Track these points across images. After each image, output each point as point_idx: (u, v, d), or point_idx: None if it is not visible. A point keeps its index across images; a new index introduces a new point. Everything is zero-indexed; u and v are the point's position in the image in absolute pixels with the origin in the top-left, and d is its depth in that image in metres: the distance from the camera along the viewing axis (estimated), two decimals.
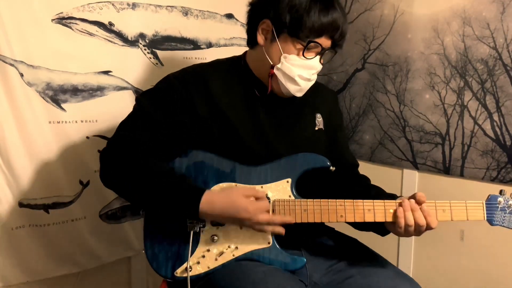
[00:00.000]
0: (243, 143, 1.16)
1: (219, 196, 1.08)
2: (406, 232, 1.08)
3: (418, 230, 1.08)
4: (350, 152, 1.38)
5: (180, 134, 1.14)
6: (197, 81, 1.17)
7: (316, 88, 1.23)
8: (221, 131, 1.15)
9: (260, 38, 1.17)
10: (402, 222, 1.06)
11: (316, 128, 1.27)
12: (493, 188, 1.61)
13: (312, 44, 1.12)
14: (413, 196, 1.11)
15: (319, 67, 1.17)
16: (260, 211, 1.06)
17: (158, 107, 1.13)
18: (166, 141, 1.12)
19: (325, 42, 1.14)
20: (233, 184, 1.14)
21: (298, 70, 1.14)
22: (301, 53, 1.13)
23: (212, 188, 1.13)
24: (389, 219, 1.09)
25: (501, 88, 1.58)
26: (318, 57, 1.15)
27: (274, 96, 1.21)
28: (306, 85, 1.17)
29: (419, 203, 1.08)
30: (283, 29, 1.13)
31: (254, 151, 1.16)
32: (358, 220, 1.09)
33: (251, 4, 1.21)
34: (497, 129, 1.60)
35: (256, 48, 1.20)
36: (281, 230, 1.09)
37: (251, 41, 1.22)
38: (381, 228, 1.16)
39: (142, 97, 1.19)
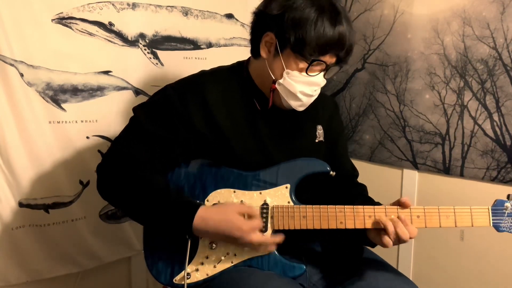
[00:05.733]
0: (241, 158, 1.14)
1: (214, 213, 1.06)
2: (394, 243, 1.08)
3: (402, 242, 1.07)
4: (350, 162, 1.36)
5: (176, 147, 1.12)
6: (195, 93, 1.14)
7: (317, 98, 1.19)
8: (218, 145, 1.14)
9: (263, 51, 1.14)
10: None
11: (317, 140, 1.25)
12: (493, 188, 1.62)
13: (315, 62, 1.09)
14: (396, 202, 1.10)
15: (322, 83, 1.14)
16: (253, 231, 1.05)
17: (155, 121, 1.12)
18: (162, 154, 1.11)
19: (330, 59, 1.11)
20: (231, 190, 1.13)
21: (300, 86, 1.11)
22: (304, 70, 1.10)
23: (210, 195, 1.13)
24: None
25: (501, 88, 1.58)
26: (322, 73, 1.12)
27: (275, 108, 1.18)
28: (308, 101, 1.15)
29: (405, 206, 1.08)
30: (287, 45, 1.09)
31: (252, 166, 1.14)
32: (358, 226, 1.08)
33: (255, 14, 1.17)
34: (497, 129, 1.60)
35: (259, 59, 1.17)
36: (272, 249, 1.09)
37: (254, 52, 1.18)
38: (365, 240, 1.15)
39: (139, 109, 1.16)
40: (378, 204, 1.17)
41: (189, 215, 1.04)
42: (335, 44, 1.08)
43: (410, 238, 1.06)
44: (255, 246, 1.08)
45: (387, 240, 1.06)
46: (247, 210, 1.08)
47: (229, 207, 1.08)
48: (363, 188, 1.32)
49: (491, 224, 1.07)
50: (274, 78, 1.13)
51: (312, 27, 1.06)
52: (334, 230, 1.11)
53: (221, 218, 1.05)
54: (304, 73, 1.10)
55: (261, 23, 1.15)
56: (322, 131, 1.27)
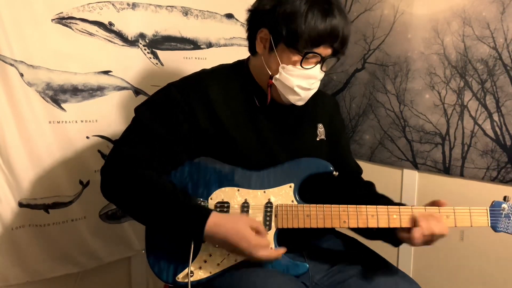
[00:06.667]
0: (244, 155, 1.14)
1: (226, 219, 1.06)
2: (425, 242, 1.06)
3: (431, 239, 1.06)
4: (353, 159, 1.36)
5: (180, 146, 1.12)
6: (198, 91, 1.14)
7: (317, 97, 1.20)
8: (221, 143, 1.14)
9: (259, 47, 1.15)
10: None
11: (318, 139, 1.25)
12: (493, 188, 1.62)
13: (310, 54, 1.09)
14: (431, 203, 1.10)
15: (319, 76, 1.13)
16: (261, 248, 1.05)
17: (158, 120, 1.11)
18: (166, 154, 1.10)
19: (324, 51, 1.10)
20: (235, 188, 1.13)
21: (297, 80, 1.11)
22: (298, 63, 1.10)
23: (214, 193, 1.13)
24: (392, 225, 1.08)
25: (501, 88, 1.58)
26: (318, 66, 1.12)
27: (275, 105, 1.18)
28: (306, 95, 1.15)
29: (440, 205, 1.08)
30: (280, 39, 1.09)
31: (254, 163, 1.14)
32: (361, 226, 1.08)
33: (250, 11, 1.19)
34: (497, 129, 1.60)
35: (257, 55, 1.18)
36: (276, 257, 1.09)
37: (251, 49, 1.19)
38: (392, 237, 1.13)
39: (142, 108, 1.16)
40: (401, 204, 1.14)
41: (201, 221, 1.04)
42: (328, 36, 1.08)
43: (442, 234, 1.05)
44: (259, 260, 1.07)
45: (416, 235, 1.04)
46: (257, 226, 1.07)
47: (242, 218, 1.08)
48: (371, 185, 1.31)
49: (489, 225, 1.09)
50: (270, 73, 1.14)
51: (303, 19, 1.06)
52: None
53: (233, 226, 1.04)
54: (299, 66, 1.10)
55: (255, 20, 1.16)
56: (323, 129, 1.27)
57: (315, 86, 1.15)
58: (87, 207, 1.57)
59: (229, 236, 1.04)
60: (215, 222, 1.04)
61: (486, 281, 1.67)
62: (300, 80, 1.11)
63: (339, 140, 1.31)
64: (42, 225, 1.48)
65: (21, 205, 1.43)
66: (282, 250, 1.09)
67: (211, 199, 1.13)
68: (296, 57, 1.10)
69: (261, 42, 1.14)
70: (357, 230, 1.22)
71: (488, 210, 1.09)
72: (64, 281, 1.58)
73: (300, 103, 1.16)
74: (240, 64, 1.24)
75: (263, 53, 1.15)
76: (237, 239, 1.04)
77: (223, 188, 1.13)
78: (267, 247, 1.07)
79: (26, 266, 1.46)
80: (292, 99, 1.14)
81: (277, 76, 1.12)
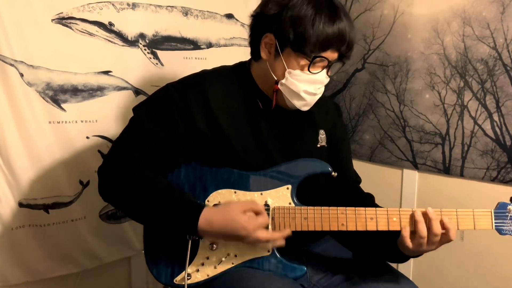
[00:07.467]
0: (241, 158, 1.13)
1: (218, 213, 1.05)
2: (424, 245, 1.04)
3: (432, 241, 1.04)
4: (353, 168, 1.34)
5: (177, 146, 1.11)
6: (197, 92, 1.13)
7: (320, 102, 1.19)
8: (218, 144, 1.13)
9: (264, 53, 1.13)
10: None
11: (319, 145, 1.24)
12: (493, 188, 1.61)
13: (317, 59, 1.08)
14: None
15: (325, 81, 1.12)
16: (259, 228, 1.04)
17: (155, 120, 1.11)
18: (163, 154, 1.10)
19: (331, 55, 1.09)
20: (232, 190, 1.12)
21: (304, 85, 1.10)
22: (306, 68, 1.09)
23: (211, 195, 1.12)
24: (392, 227, 1.06)
25: (501, 88, 1.58)
26: (324, 70, 1.11)
27: (278, 109, 1.17)
28: (312, 100, 1.13)
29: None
30: (287, 44, 1.08)
31: (251, 166, 1.14)
32: (360, 228, 1.07)
33: (253, 17, 1.16)
34: (497, 129, 1.60)
35: (260, 61, 1.16)
36: (281, 244, 1.08)
37: (255, 55, 1.17)
38: (393, 250, 1.10)
39: (139, 108, 1.15)
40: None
41: (193, 217, 1.03)
42: (336, 40, 1.07)
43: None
44: (263, 243, 1.07)
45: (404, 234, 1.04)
46: (252, 207, 1.07)
47: (233, 206, 1.06)
48: (371, 198, 1.29)
49: (494, 227, 1.05)
50: (276, 78, 1.12)
51: (311, 23, 1.05)
52: (363, 242, 1.11)
53: (226, 218, 1.04)
54: (306, 71, 1.09)
55: (259, 25, 1.14)
56: (324, 136, 1.26)
57: (320, 91, 1.14)
58: (87, 207, 1.57)
59: (224, 229, 1.04)
60: (206, 218, 1.03)
61: (486, 281, 1.67)
62: (307, 85, 1.10)
63: (340, 147, 1.30)
64: (42, 225, 1.48)
65: (21, 205, 1.43)
66: (286, 231, 1.07)
67: (208, 201, 1.13)
68: (304, 61, 1.08)
69: (266, 48, 1.13)
70: (355, 248, 1.22)
71: (493, 212, 1.05)
72: (64, 281, 1.58)
73: (305, 108, 1.15)
74: (242, 66, 1.23)
75: (268, 59, 1.13)
76: (233, 229, 1.03)
77: (219, 190, 1.13)
78: (266, 224, 1.06)
79: (26, 266, 1.47)
80: (298, 104, 1.13)
81: (283, 81, 1.11)
